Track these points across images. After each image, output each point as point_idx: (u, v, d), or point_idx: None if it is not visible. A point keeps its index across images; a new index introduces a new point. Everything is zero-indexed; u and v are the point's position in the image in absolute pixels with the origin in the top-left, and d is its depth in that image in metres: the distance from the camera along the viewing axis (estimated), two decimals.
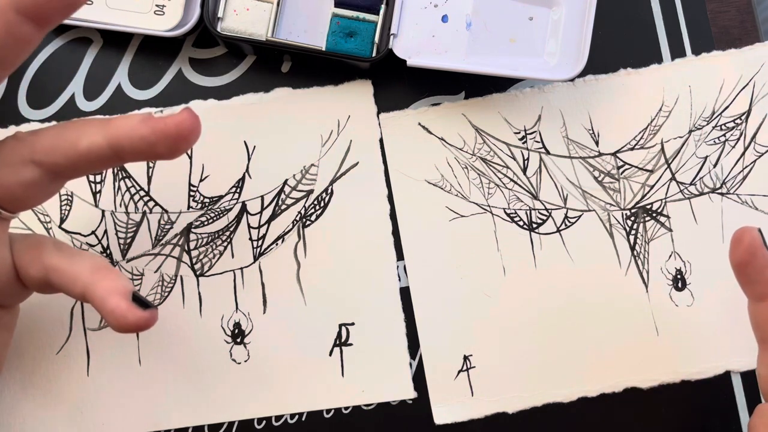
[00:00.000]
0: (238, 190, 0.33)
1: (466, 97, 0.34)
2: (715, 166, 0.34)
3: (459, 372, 0.32)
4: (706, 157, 0.34)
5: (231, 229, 0.33)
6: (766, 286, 0.24)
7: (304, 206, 0.33)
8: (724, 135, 0.34)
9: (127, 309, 0.22)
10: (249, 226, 0.33)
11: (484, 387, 0.32)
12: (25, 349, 0.32)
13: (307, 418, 0.32)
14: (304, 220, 0.33)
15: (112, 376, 0.32)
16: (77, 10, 0.20)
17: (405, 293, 0.33)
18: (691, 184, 0.34)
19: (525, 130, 0.34)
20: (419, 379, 0.32)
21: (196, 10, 0.32)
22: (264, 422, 0.32)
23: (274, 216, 0.33)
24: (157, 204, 0.33)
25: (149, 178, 0.33)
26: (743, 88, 0.34)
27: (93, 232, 0.32)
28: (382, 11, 0.32)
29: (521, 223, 0.33)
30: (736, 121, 0.34)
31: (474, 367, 0.33)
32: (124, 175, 0.33)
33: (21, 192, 0.22)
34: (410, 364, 0.33)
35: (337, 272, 0.33)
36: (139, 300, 0.23)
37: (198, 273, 0.33)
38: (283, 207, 0.33)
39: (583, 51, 0.31)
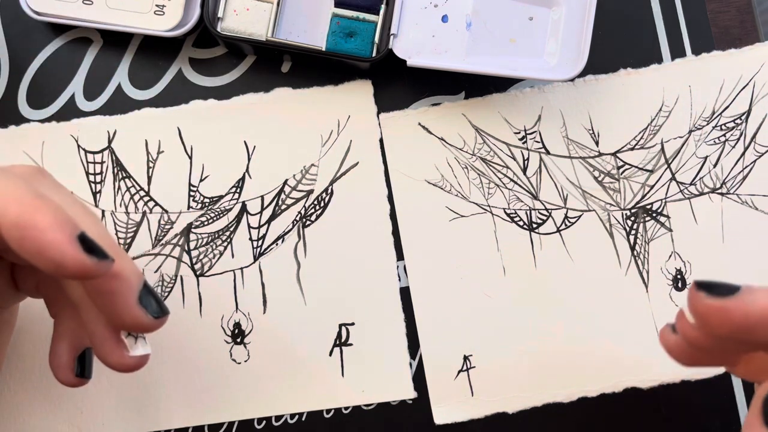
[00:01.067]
0: (238, 190, 0.33)
1: (466, 97, 0.34)
2: (715, 166, 0.34)
3: (459, 372, 0.32)
4: (706, 157, 0.34)
5: (231, 229, 0.33)
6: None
7: (304, 206, 0.33)
8: (724, 135, 0.34)
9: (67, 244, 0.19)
10: (249, 226, 0.33)
11: (484, 387, 0.32)
12: (25, 349, 0.32)
13: (307, 418, 0.32)
14: (304, 220, 0.33)
15: (112, 376, 0.32)
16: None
17: (405, 293, 0.33)
18: (691, 184, 0.34)
19: (525, 130, 0.34)
20: (419, 379, 0.32)
21: (196, 10, 0.32)
22: (264, 422, 0.32)
23: (274, 216, 0.33)
24: (157, 204, 0.33)
25: (149, 178, 0.33)
26: (743, 88, 0.34)
27: None
28: (382, 11, 0.32)
29: (521, 223, 0.33)
30: (736, 121, 0.34)
31: (474, 367, 0.33)
32: (124, 175, 0.33)
33: None
34: (410, 364, 0.32)
35: (337, 272, 0.33)
36: (86, 244, 0.19)
37: (198, 273, 0.33)
38: (283, 207, 0.33)
39: (583, 51, 0.31)
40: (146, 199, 0.33)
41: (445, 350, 0.33)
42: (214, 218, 0.33)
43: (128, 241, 0.32)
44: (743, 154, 0.34)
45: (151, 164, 0.33)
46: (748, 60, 0.34)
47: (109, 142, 0.33)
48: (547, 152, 0.34)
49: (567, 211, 0.33)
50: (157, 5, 0.32)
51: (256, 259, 0.33)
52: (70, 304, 0.23)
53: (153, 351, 0.32)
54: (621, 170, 0.34)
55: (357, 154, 0.33)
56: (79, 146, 0.33)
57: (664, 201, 0.34)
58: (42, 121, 0.33)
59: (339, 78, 0.34)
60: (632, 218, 0.34)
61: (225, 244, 0.33)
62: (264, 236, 0.33)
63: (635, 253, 0.33)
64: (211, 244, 0.33)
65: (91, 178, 0.33)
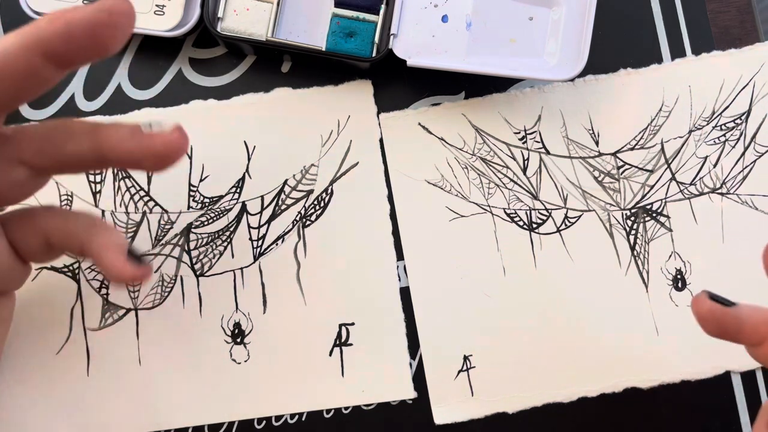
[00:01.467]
0: (238, 190, 0.33)
1: (466, 97, 0.34)
2: (715, 166, 0.34)
3: (459, 372, 0.32)
4: (706, 157, 0.34)
5: (231, 229, 0.33)
6: (753, 337, 0.23)
7: (304, 206, 0.33)
8: (724, 135, 0.34)
9: (123, 264, 0.23)
10: (249, 226, 0.33)
11: (484, 387, 0.32)
12: (25, 349, 0.32)
13: (307, 418, 0.32)
14: (304, 220, 0.33)
15: (112, 376, 0.32)
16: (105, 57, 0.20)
17: (405, 293, 0.33)
18: (691, 184, 0.34)
19: (525, 130, 0.34)
20: (419, 379, 0.32)
21: (196, 10, 0.32)
22: (264, 422, 0.32)
23: (274, 216, 0.33)
24: (157, 204, 0.33)
25: (149, 178, 0.33)
26: (743, 88, 0.34)
27: None
28: (382, 11, 0.32)
29: (521, 223, 0.33)
30: (736, 121, 0.34)
31: (474, 367, 0.33)
32: (124, 175, 0.33)
33: (7, 189, 0.22)
34: (410, 364, 0.33)
35: (337, 272, 0.33)
36: (134, 255, 0.24)
37: (198, 273, 0.33)
38: (283, 207, 0.33)
39: (583, 51, 0.31)
40: (146, 199, 0.33)
41: (445, 350, 0.33)
42: (214, 218, 0.33)
43: (128, 241, 0.32)
44: (743, 154, 0.34)
45: None
46: (748, 60, 0.34)
47: None
48: (547, 152, 0.34)
49: (567, 211, 0.33)
50: (157, 5, 0.32)
51: (256, 259, 0.33)
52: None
53: (153, 351, 0.32)
54: (621, 170, 0.34)
55: (357, 154, 0.33)
56: None
57: (664, 201, 0.34)
58: (42, 121, 0.33)
59: (339, 78, 0.34)
60: (632, 218, 0.34)
61: (225, 244, 0.33)
62: (264, 236, 0.33)
63: (635, 253, 0.33)
64: (211, 244, 0.33)
65: (91, 178, 0.33)
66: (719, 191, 0.34)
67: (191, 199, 0.33)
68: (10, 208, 0.24)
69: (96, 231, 0.24)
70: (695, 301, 0.24)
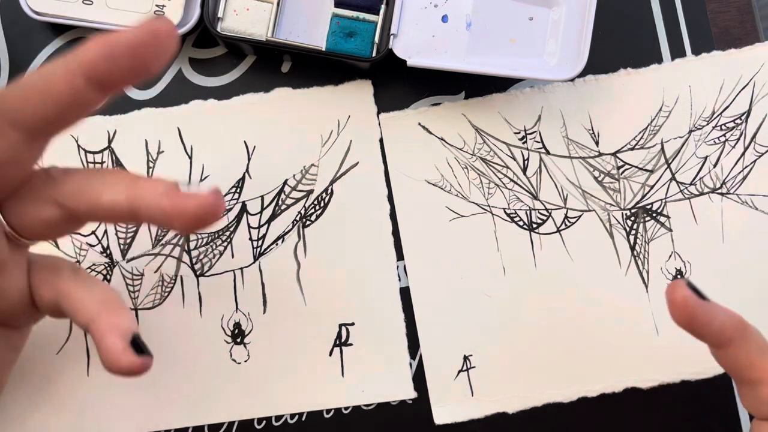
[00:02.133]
0: (238, 190, 0.33)
1: (466, 97, 0.34)
2: (715, 166, 0.34)
3: (459, 372, 0.32)
4: (706, 157, 0.34)
5: (231, 229, 0.33)
6: (718, 337, 0.23)
7: (304, 206, 0.33)
8: (724, 135, 0.34)
9: (122, 351, 0.22)
10: (249, 226, 0.33)
11: (484, 387, 0.32)
12: (25, 349, 0.32)
13: (307, 418, 0.32)
14: (304, 220, 0.33)
15: (112, 376, 0.32)
16: (145, 79, 0.20)
17: (405, 293, 0.33)
18: (691, 184, 0.34)
19: (525, 130, 0.34)
20: (419, 379, 0.32)
21: (196, 10, 0.32)
22: (264, 422, 0.32)
23: (274, 216, 0.33)
24: None
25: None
26: (743, 88, 0.34)
27: (93, 232, 0.32)
28: (382, 11, 0.32)
29: (521, 223, 0.33)
30: (736, 121, 0.34)
31: (474, 367, 0.33)
32: None
33: (39, 226, 0.22)
34: (410, 364, 0.33)
35: (337, 272, 0.33)
36: (137, 344, 0.22)
37: (198, 273, 0.33)
38: (283, 207, 0.33)
39: (583, 51, 0.31)
40: None
41: (445, 350, 0.33)
42: None
43: (128, 241, 0.32)
44: (743, 154, 0.34)
45: (151, 164, 0.33)
46: (748, 60, 0.34)
47: (109, 142, 0.33)
48: (547, 152, 0.34)
49: (567, 211, 0.34)
50: (157, 5, 0.32)
51: (256, 259, 0.33)
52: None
53: (153, 351, 0.32)
54: (621, 170, 0.34)
55: (357, 154, 0.33)
56: (79, 146, 0.33)
57: (664, 201, 0.34)
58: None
59: (339, 78, 0.34)
60: (632, 218, 0.34)
61: (225, 244, 0.33)
62: (264, 236, 0.33)
63: (635, 253, 0.33)
64: (211, 244, 0.33)
65: None
66: (719, 191, 0.34)
67: None
68: (41, 250, 0.24)
69: (108, 309, 0.23)
70: (672, 285, 0.23)
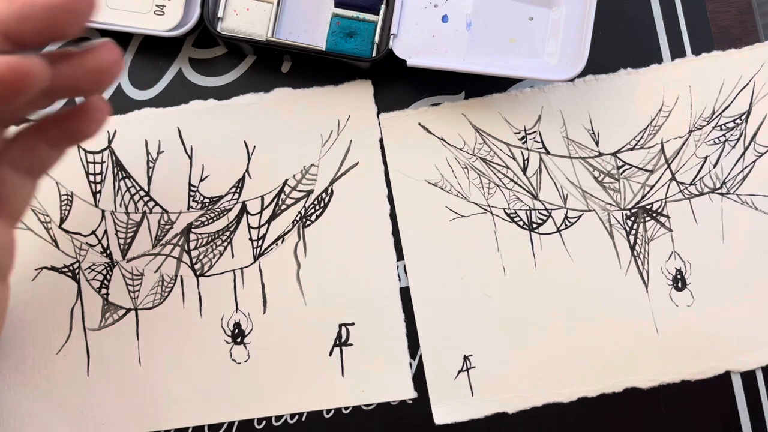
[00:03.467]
0: (238, 190, 0.33)
1: (466, 97, 0.34)
2: (715, 166, 0.34)
3: (459, 372, 0.32)
4: (706, 157, 0.34)
5: (231, 229, 0.33)
6: None
7: (304, 206, 0.33)
8: (724, 135, 0.34)
9: None
10: (249, 226, 0.33)
11: (484, 387, 0.32)
12: (25, 349, 0.32)
13: (307, 418, 0.32)
14: (304, 220, 0.33)
15: (112, 376, 0.32)
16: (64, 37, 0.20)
17: (405, 293, 0.33)
18: (691, 184, 0.34)
19: (525, 130, 0.34)
20: (419, 379, 0.32)
21: (196, 10, 0.32)
22: (264, 422, 0.32)
23: (274, 216, 0.33)
24: (157, 204, 0.33)
25: (149, 178, 0.33)
26: (743, 88, 0.34)
27: (93, 232, 0.32)
28: (382, 11, 0.32)
29: (521, 223, 0.33)
30: (736, 121, 0.34)
31: (474, 367, 0.33)
32: (124, 175, 0.33)
33: None
34: (410, 364, 0.33)
35: (337, 272, 0.33)
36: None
37: (198, 273, 0.33)
38: (283, 207, 0.33)
39: (583, 51, 0.31)
40: (146, 199, 0.33)
41: (445, 350, 0.33)
42: (214, 218, 0.33)
43: (128, 241, 0.32)
44: (743, 154, 0.34)
45: (151, 164, 0.33)
46: (748, 60, 0.34)
47: (109, 142, 0.33)
48: (547, 152, 0.34)
49: (567, 211, 0.34)
50: (157, 5, 0.32)
51: (256, 259, 0.33)
52: None
53: (153, 351, 0.32)
54: (621, 170, 0.34)
55: (357, 154, 0.33)
56: (78, 146, 0.33)
57: (664, 201, 0.34)
58: None
59: (339, 78, 0.34)
60: (632, 218, 0.34)
61: (225, 244, 0.33)
62: (264, 236, 0.33)
63: (635, 253, 0.33)
64: (211, 244, 0.33)
65: (91, 178, 0.33)
66: (719, 191, 0.34)
67: (191, 199, 0.33)
68: None
69: None
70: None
